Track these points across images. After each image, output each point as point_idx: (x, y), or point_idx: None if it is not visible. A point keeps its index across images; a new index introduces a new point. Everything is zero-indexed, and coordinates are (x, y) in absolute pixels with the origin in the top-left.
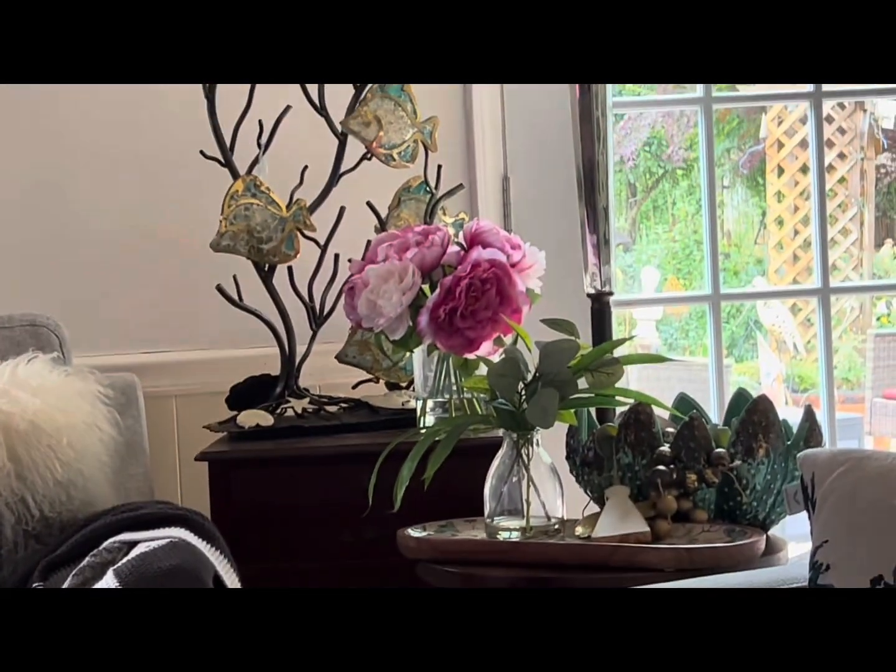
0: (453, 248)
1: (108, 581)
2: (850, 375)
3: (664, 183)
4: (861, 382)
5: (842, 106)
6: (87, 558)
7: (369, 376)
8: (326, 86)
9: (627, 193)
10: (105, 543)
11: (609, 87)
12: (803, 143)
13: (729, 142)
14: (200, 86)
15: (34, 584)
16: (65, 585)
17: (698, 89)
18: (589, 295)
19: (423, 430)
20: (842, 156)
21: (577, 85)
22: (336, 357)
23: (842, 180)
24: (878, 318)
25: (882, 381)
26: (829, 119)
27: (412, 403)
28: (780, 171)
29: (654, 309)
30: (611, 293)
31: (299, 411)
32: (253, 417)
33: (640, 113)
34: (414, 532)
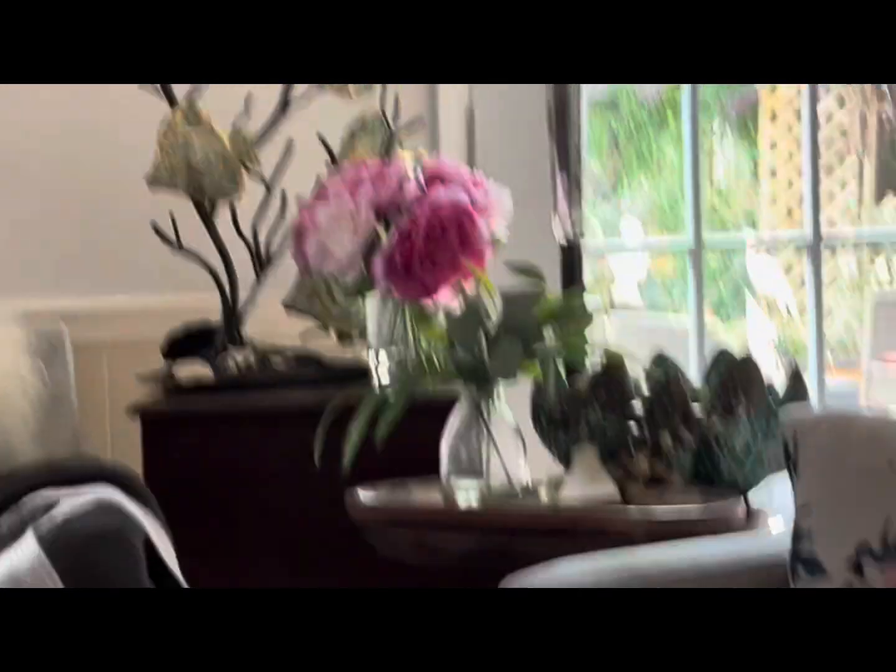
0: (411, 187)
1: (29, 545)
2: (846, 339)
3: (649, 129)
4: (857, 347)
5: None
6: (4, 515)
7: (319, 326)
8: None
9: (608, 140)
10: (24, 499)
11: None
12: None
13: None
14: None
15: None
16: None
17: None
18: (559, 239)
19: (374, 385)
20: (841, 102)
21: None
22: (283, 304)
23: (842, 131)
24: (876, 278)
25: (880, 345)
26: None
27: (365, 356)
28: (774, 115)
29: (636, 267)
30: (581, 237)
31: (242, 363)
32: (191, 369)
33: None
34: (365, 494)
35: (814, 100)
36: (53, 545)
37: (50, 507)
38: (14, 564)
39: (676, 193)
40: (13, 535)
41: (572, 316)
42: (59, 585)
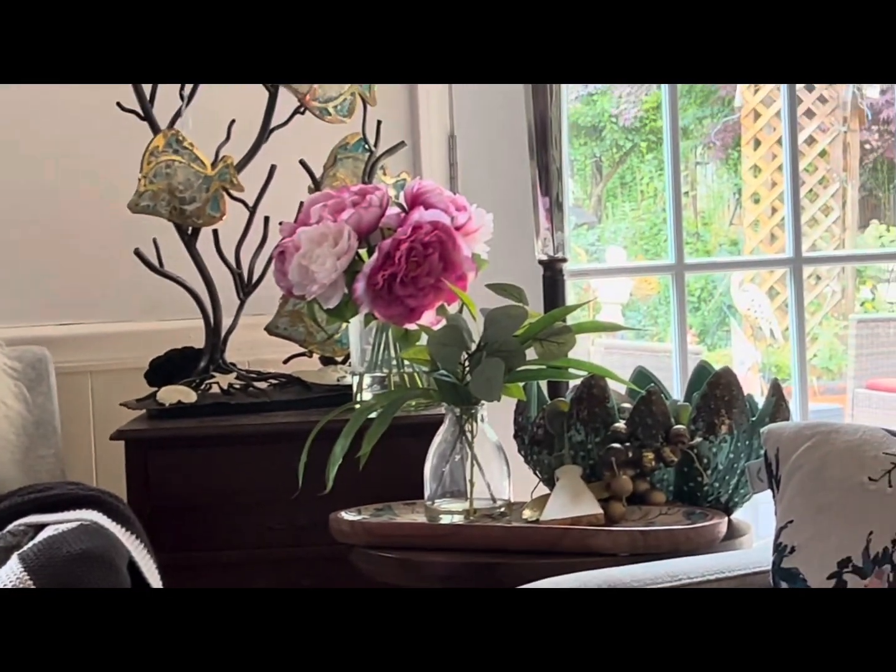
0: (393, 210)
1: (13, 566)
2: (832, 364)
3: (632, 158)
4: (843, 372)
5: None
6: None
7: (302, 350)
8: None
9: (592, 169)
10: (9, 526)
11: None
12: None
13: (701, 111)
14: None
15: None
16: None
17: None
18: (541, 262)
19: (357, 406)
20: (823, 128)
21: None
22: (266, 329)
23: (823, 154)
24: (861, 304)
25: (865, 371)
26: (810, 87)
27: (348, 379)
28: (757, 143)
29: (620, 291)
30: (564, 259)
31: (225, 387)
32: (174, 394)
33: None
34: (348, 515)
35: (793, 116)
36: (37, 567)
37: (34, 532)
38: None
39: (658, 220)
40: None
41: (554, 336)
42: None
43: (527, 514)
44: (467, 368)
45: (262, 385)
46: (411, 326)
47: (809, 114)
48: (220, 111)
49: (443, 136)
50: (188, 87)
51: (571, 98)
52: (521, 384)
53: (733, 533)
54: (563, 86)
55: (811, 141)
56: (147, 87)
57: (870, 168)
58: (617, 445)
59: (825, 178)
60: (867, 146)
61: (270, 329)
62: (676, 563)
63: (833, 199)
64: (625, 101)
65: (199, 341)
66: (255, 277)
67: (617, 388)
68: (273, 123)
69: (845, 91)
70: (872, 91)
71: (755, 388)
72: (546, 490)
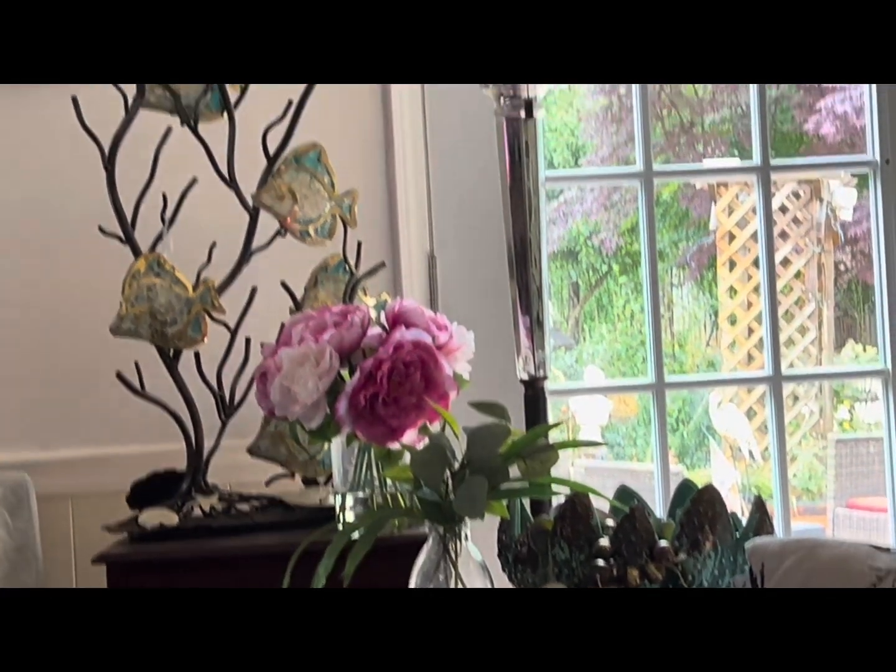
0: (374, 330)
1: None
2: (811, 485)
3: (608, 281)
4: (823, 492)
5: (797, 195)
6: None
7: (284, 471)
8: (237, 157)
9: (570, 292)
10: None
11: (542, 159)
12: (756, 236)
13: (676, 234)
14: (99, 156)
15: None
16: None
17: (638, 162)
18: (522, 380)
19: (340, 527)
20: (797, 249)
21: (507, 156)
22: (248, 450)
23: (798, 275)
24: (839, 424)
25: (845, 490)
26: (784, 209)
27: (331, 500)
28: (732, 264)
29: (599, 413)
30: (545, 378)
31: (207, 510)
32: (156, 517)
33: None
34: None
35: (769, 221)
36: None
37: None
38: None
39: (634, 342)
40: None
41: (537, 453)
42: None
43: None
44: (450, 487)
45: (245, 507)
46: (394, 445)
47: (784, 235)
48: (201, 234)
49: (422, 257)
50: (170, 210)
51: (552, 237)
52: (505, 502)
53: None
54: (543, 206)
55: (786, 262)
56: (129, 211)
57: (844, 289)
58: (601, 563)
59: (801, 298)
60: (841, 267)
61: (252, 451)
62: None
63: (809, 320)
64: (603, 227)
65: (180, 464)
66: (237, 399)
67: (600, 505)
68: (254, 245)
69: (819, 212)
70: (846, 213)
71: (735, 508)
72: None
